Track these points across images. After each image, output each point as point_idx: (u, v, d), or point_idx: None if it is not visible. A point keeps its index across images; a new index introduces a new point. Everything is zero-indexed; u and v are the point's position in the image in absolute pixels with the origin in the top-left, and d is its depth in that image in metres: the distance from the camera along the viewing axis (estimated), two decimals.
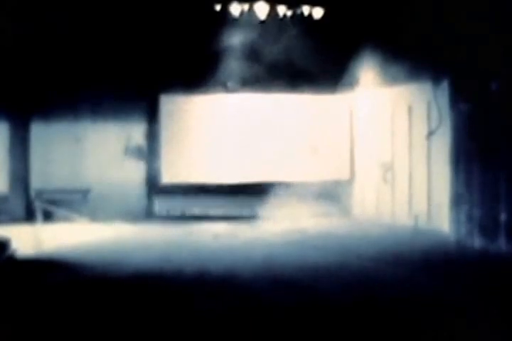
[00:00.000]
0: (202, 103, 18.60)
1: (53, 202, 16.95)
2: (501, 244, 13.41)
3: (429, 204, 16.04)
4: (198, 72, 17.96)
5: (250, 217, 17.69)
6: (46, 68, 17.79)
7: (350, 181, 19.10)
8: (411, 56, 16.02)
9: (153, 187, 18.47)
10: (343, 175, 19.08)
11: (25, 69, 17.66)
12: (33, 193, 18.01)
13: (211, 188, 18.41)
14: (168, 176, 18.30)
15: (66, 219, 16.60)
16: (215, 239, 15.03)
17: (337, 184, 19.08)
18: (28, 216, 17.06)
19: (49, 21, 16.84)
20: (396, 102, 17.51)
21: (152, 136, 18.63)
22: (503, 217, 13.42)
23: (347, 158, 19.16)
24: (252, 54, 18.09)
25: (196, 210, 18.43)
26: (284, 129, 18.81)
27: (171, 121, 18.33)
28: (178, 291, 10.18)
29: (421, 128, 16.41)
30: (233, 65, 18.11)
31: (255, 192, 18.21)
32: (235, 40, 17.80)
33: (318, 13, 18.37)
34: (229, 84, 18.45)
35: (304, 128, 18.98)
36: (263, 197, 17.85)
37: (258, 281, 10.71)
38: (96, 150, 18.61)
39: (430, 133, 15.92)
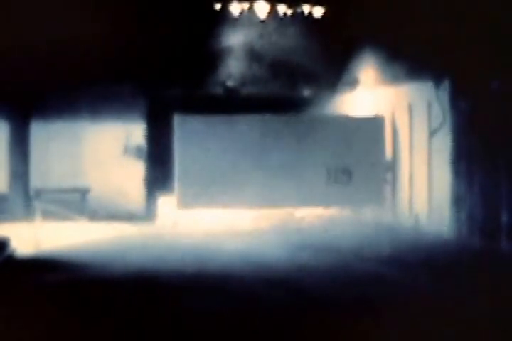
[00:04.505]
0: (221, 124, 17.05)
1: (53, 202, 16.91)
2: (502, 243, 13.40)
3: (429, 204, 16.02)
4: (198, 74, 17.94)
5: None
6: (46, 68, 17.77)
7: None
8: (411, 55, 16.00)
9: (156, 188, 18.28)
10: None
11: (25, 68, 17.64)
12: (32, 192, 18.00)
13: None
14: (185, 206, 16.86)
15: (65, 218, 16.57)
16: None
17: None
18: (28, 215, 17.03)
19: (50, 21, 16.84)
20: (396, 101, 17.50)
21: (154, 138, 18.57)
22: (503, 216, 13.41)
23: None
24: (252, 54, 18.07)
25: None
26: (306, 152, 17.21)
27: (187, 143, 16.78)
28: (176, 291, 10.17)
29: (421, 128, 16.39)
30: (234, 66, 18.07)
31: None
32: (235, 40, 17.78)
33: (318, 12, 18.36)
34: (228, 83, 18.43)
35: (332, 150, 17.32)
36: None
37: (254, 281, 10.74)
38: (95, 150, 18.61)
39: (434, 132, 15.87)
